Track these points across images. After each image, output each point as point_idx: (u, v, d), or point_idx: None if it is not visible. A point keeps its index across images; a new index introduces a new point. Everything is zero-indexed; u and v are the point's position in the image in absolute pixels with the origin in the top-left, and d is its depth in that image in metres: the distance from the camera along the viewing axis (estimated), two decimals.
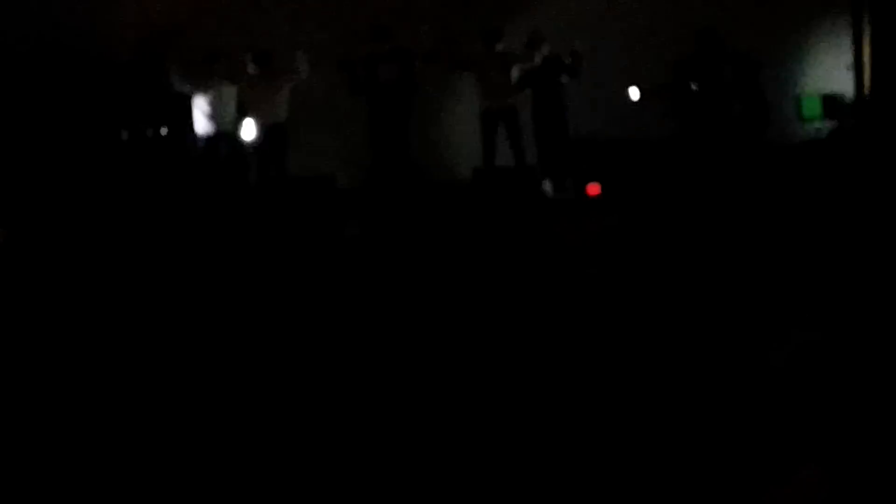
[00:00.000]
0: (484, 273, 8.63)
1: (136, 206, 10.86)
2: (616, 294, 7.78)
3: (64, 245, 9.70)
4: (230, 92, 11.66)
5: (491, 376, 6.46)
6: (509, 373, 6.52)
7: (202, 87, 11.58)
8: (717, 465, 5.21)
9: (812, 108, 12.37)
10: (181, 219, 10.65)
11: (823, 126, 12.19)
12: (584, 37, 11.74)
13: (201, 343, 7.22)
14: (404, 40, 11.72)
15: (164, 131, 11.85)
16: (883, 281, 7.44)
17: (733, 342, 6.62)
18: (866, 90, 12.24)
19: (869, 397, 5.74)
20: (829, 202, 9.74)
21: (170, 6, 12.18)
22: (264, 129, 11.62)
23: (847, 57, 12.36)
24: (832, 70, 12.43)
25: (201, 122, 11.63)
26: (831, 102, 12.30)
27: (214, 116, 11.61)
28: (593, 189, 11.19)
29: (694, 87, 11.56)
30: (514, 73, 11.78)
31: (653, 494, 5.02)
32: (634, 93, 11.82)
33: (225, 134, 11.64)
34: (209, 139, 11.64)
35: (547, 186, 11.67)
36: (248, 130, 11.60)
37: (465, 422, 5.82)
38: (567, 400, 6.05)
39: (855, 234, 8.67)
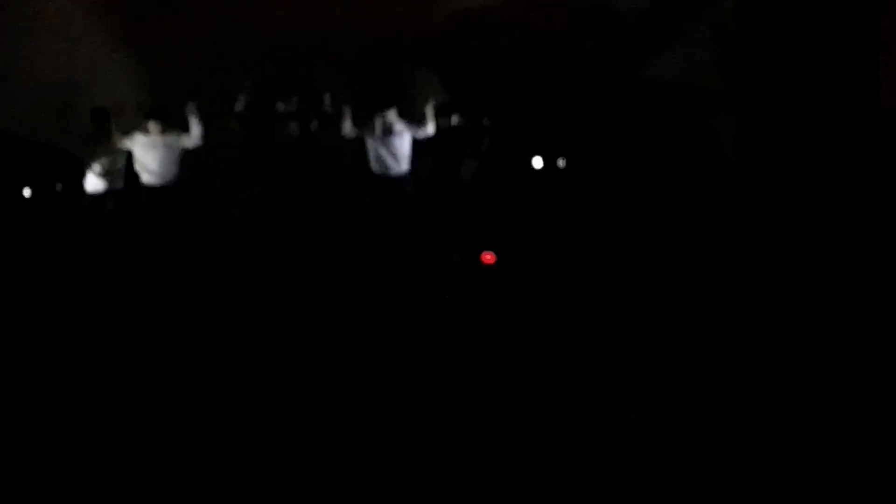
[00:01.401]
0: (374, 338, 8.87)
1: (30, 266, 10.63)
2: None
3: None
4: (122, 150, 11.54)
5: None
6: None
7: (93, 146, 11.45)
8: None
9: None
10: (74, 280, 10.43)
11: None
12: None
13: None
14: (306, 99, 11.77)
15: (58, 189, 11.69)
16: None
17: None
18: None
19: None
20: None
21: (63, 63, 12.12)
22: (158, 187, 11.55)
23: None
24: None
25: (92, 181, 11.49)
26: None
27: (106, 175, 11.49)
28: (488, 258, 11.28)
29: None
30: (407, 141, 11.85)
31: None
32: (538, 161, 12.08)
33: (118, 192, 11.54)
34: (101, 198, 11.50)
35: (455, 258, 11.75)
36: (142, 188, 11.52)
37: None
38: None
39: None
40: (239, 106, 11.64)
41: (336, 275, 10.64)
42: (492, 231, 11.55)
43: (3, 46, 12.14)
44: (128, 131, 11.53)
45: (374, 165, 11.88)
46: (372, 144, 11.84)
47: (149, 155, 11.53)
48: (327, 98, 11.71)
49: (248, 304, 9.91)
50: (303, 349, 8.73)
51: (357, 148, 11.97)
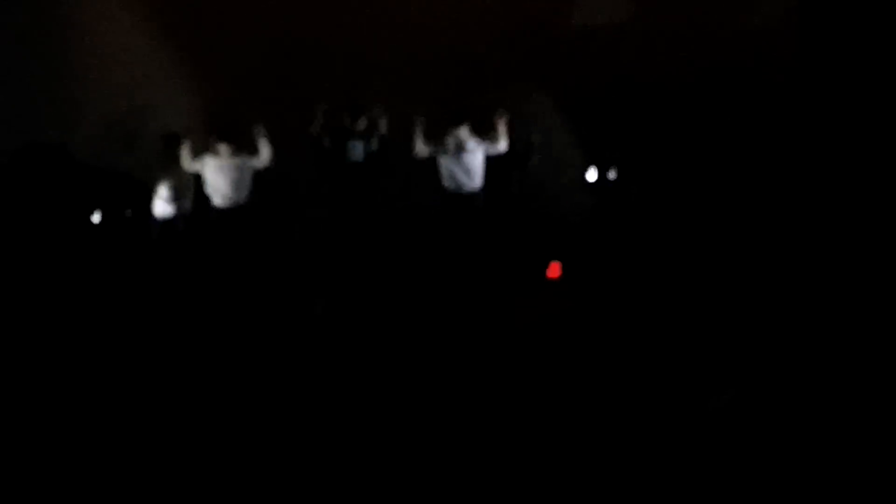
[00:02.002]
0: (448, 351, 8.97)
1: (103, 288, 10.78)
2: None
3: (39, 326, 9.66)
4: (192, 173, 11.69)
5: None
6: None
7: (165, 170, 11.60)
8: None
9: None
10: (147, 301, 10.57)
11: None
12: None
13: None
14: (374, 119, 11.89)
15: (128, 214, 11.87)
16: None
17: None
18: None
19: None
20: None
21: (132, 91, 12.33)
22: (230, 208, 11.69)
23: None
24: None
25: (163, 206, 11.65)
26: None
27: (177, 199, 11.65)
28: (553, 270, 11.28)
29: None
30: (476, 156, 11.91)
31: None
32: (592, 173, 12.04)
33: (188, 215, 11.69)
34: (172, 221, 11.66)
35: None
36: (213, 210, 11.67)
37: None
38: None
39: None
40: (314, 127, 11.83)
41: (407, 291, 10.70)
42: (558, 244, 11.56)
43: (74, 77, 12.35)
44: (198, 155, 11.65)
45: (446, 182, 11.95)
46: (444, 161, 11.90)
47: (219, 177, 11.65)
48: (394, 117, 11.83)
49: (319, 319, 9.99)
50: (374, 364, 8.80)
51: (428, 165, 12.06)
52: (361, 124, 12.00)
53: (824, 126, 12.10)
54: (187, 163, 11.58)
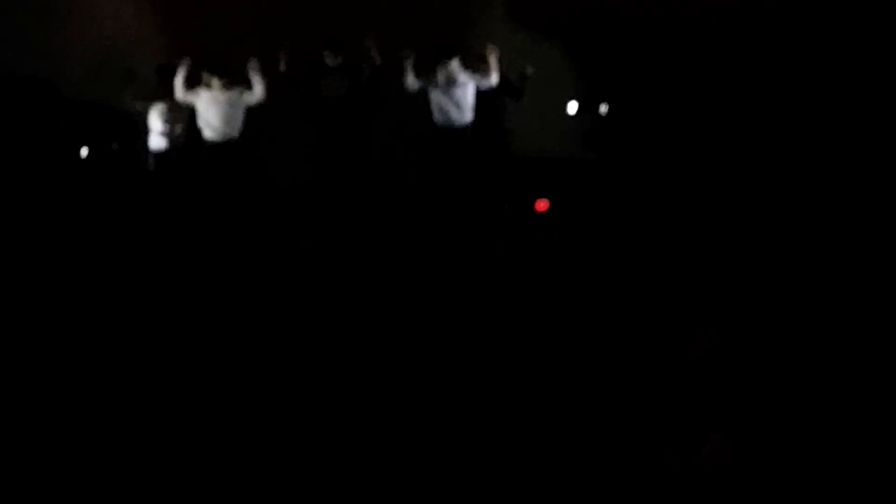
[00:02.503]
0: (429, 285, 9.15)
1: (94, 225, 10.87)
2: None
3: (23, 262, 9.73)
4: (185, 105, 11.70)
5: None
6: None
7: (158, 102, 11.65)
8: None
9: None
10: (138, 236, 10.69)
11: None
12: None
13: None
14: (357, 54, 11.85)
15: (115, 147, 11.99)
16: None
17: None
18: None
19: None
20: None
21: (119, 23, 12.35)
22: (222, 143, 11.68)
23: None
24: None
25: (156, 138, 11.70)
26: None
27: (170, 131, 11.71)
28: (542, 205, 11.42)
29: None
30: (467, 90, 11.89)
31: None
32: (573, 107, 12.15)
33: (182, 148, 11.74)
34: (164, 154, 11.71)
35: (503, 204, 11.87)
36: (204, 144, 11.69)
37: None
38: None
39: None
40: (284, 63, 11.76)
41: (394, 226, 10.83)
42: (544, 179, 11.66)
43: (62, 8, 12.34)
44: (192, 87, 11.59)
45: (436, 116, 11.92)
46: (434, 95, 11.87)
47: (211, 111, 11.64)
48: (378, 51, 11.79)
49: (306, 254, 10.13)
50: (359, 301, 8.93)
51: (416, 99, 12.01)
52: (340, 59, 11.97)
53: (816, 70, 12.10)
54: (181, 94, 11.55)
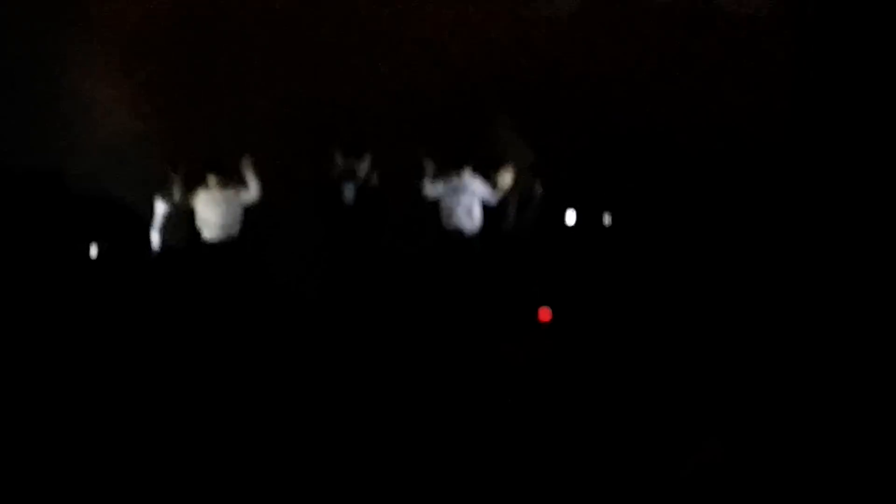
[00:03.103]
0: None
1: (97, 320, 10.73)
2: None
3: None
4: (184, 204, 11.65)
5: None
6: None
7: (158, 200, 11.61)
8: None
9: None
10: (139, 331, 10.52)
11: None
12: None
13: None
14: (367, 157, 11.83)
15: (115, 245, 11.89)
16: None
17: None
18: None
19: None
20: None
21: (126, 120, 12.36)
22: (220, 242, 11.63)
23: None
24: None
25: (155, 236, 11.66)
26: None
27: (169, 229, 11.62)
28: (545, 314, 11.18)
29: None
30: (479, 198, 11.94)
31: None
32: (571, 217, 12.24)
33: (180, 247, 11.66)
34: (163, 252, 11.65)
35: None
36: (203, 244, 11.64)
37: None
38: None
39: None
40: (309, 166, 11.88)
41: (403, 330, 10.67)
42: (549, 288, 11.48)
43: (73, 107, 12.43)
44: (191, 187, 11.62)
45: (445, 221, 11.95)
46: (445, 201, 11.91)
47: (209, 210, 11.60)
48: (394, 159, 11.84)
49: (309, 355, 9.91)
50: (368, 405, 8.80)
51: (426, 205, 12.05)
52: (356, 165, 11.88)
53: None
54: (178, 194, 11.55)
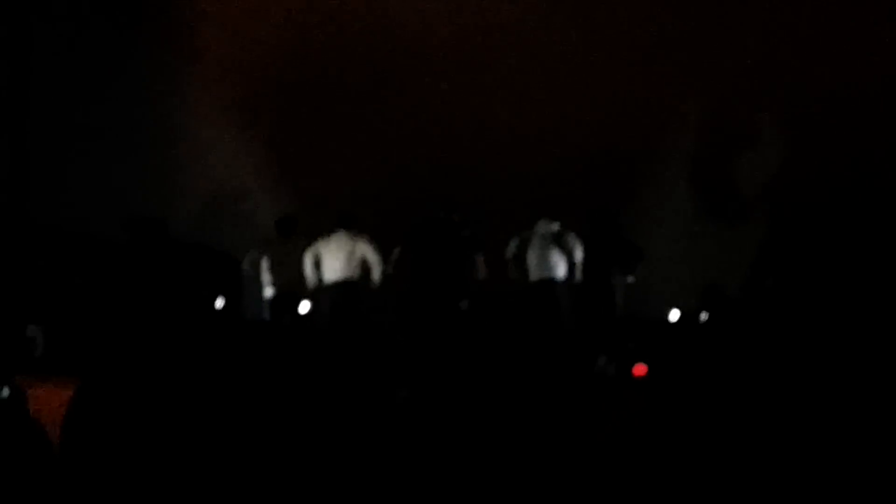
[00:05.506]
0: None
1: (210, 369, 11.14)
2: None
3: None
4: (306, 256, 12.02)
5: None
6: None
7: (279, 253, 12.05)
8: None
9: None
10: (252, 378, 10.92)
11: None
12: None
13: None
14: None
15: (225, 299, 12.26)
16: None
17: None
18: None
19: None
20: None
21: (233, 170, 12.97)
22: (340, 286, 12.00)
23: None
24: None
25: (272, 290, 12.06)
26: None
27: (289, 282, 12.04)
28: (640, 370, 11.45)
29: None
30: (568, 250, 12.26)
31: None
32: (674, 314, 12.42)
33: (301, 297, 12.08)
34: (283, 303, 12.06)
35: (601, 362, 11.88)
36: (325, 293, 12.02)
37: None
38: None
39: None
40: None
41: (488, 377, 10.81)
42: (644, 343, 11.73)
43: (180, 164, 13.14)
44: (313, 239, 12.03)
45: (533, 272, 12.31)
46: (532, 250, 12.29)
47: (334, 261, 11.97)
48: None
49: (403, 404, 10.27)
50: (454, 454, 8.91)
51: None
52: (452, 214, 12.34)
53: None
54: (302, 246, 11.98)
